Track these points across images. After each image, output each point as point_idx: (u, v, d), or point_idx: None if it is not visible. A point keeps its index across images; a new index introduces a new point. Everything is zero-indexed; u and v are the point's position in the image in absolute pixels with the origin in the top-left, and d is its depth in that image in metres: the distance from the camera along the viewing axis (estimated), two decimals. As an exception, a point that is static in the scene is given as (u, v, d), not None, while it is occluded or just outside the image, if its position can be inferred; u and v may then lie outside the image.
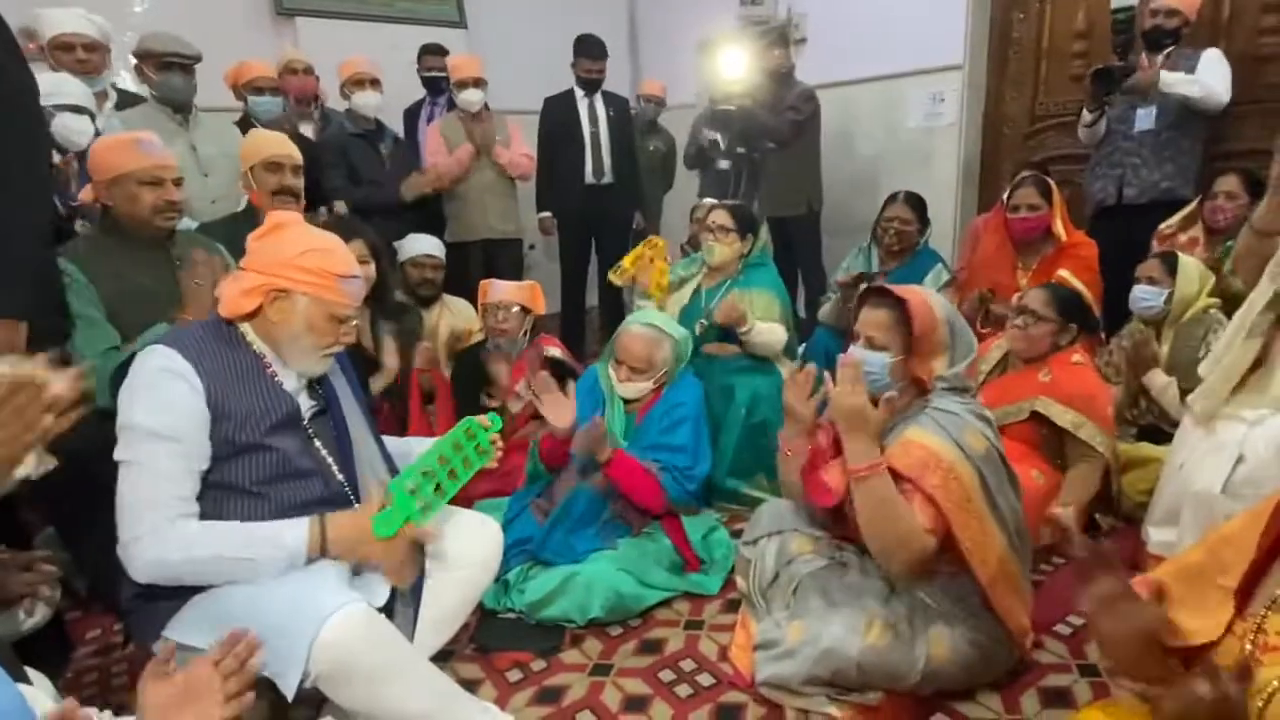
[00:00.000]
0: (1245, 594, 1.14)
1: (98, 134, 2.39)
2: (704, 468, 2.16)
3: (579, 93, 3.95)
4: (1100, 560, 1.12)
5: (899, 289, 1.66)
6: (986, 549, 1.54)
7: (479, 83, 3.59)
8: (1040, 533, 2.14)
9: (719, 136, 4.10)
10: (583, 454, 2.06)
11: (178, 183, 2.01)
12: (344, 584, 1.32)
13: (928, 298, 1.66)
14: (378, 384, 2.27)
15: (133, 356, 1.37)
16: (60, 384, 1.07)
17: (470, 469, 1.53)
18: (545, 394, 2.06)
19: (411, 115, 4.21)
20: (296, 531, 1.33)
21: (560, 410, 2.05)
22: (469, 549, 1.58)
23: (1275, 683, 1.00)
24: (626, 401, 2.26)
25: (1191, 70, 2.92)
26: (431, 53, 4.03)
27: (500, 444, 1.59)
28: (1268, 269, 1.76)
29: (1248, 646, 1.08)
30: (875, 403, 1.69)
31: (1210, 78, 2.88)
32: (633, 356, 2.19)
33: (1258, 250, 1.81)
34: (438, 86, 4.04)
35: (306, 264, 1.40)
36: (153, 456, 1.29)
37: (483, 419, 1.56)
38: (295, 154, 2.49)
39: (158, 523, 1.28)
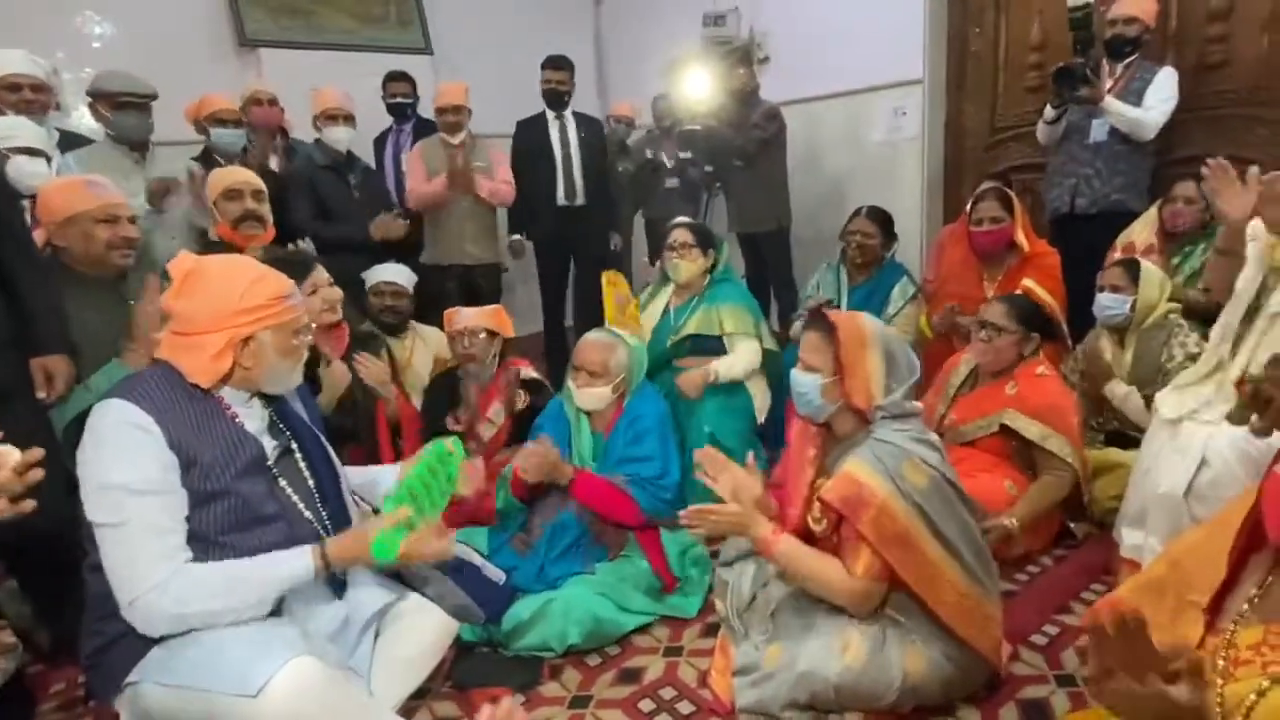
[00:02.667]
0: (1214, 609, 1.15)
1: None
2: (675, 475, 2.17)
3: (550, 115, 3.96)
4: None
5: (836, 314, 1.69)
6: (936, 582, 1.54)
7: (460, 110, 3.59)
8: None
9: (663, 156, 4.15)
10: (543, 480, 2.05)
11: (133, 220, 2.04)
12: (301, 643, 1.30)
13: (862, 321, 1.66)
14: (323, 398, 2.22)
15: (87, 411, 1.34)
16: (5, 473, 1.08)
17: (445, 499, 1.52)
18: (524, 458, 2.06)
19: (380, 143, 4.21)
20: (299, 565, 1.35)
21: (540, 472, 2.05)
22: (417, 643, 1.54)
23: (1252, 696, 1.01)
24: (590, 418, 2.26)
25: (1146, 85, 2.99)
26: (396, 79, 4.03)
27: (473, 473, 1.59)
28: (1239, 282, 1.83)
29: (1220, 662, 1.08)
30: (829, 428, 1.72)
31: (1150, 107, 2.96)
32: (589, 361, 2.20)
33: (1224, 267, 1.90)
34: (403, 113, 4.03)
35: (255, 301, 1.38)
36: (137, 514, 1.27)
37: (448, 443, 1.55)
38: (253, 180, 2.48)
39: (161, 578, 1.26)
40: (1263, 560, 1.14)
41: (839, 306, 3.07)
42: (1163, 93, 2.98)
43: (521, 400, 2.49)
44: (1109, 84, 3.03)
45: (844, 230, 3.15)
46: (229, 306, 1.36)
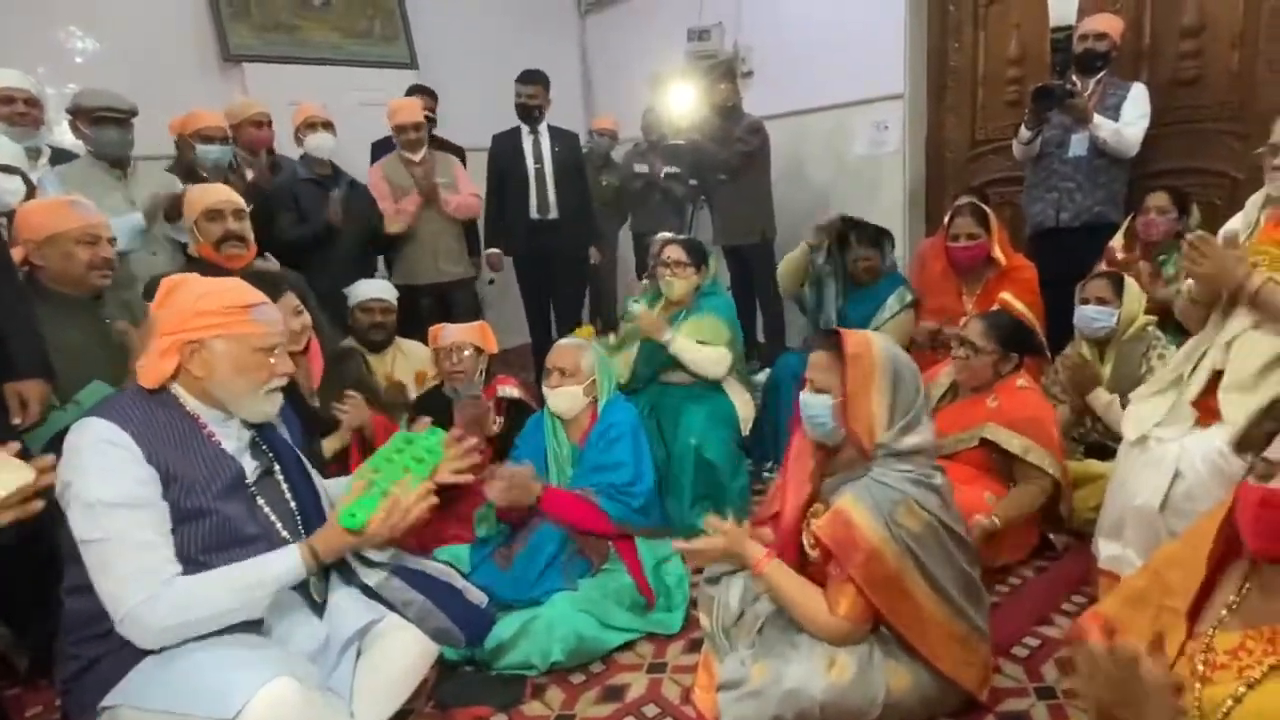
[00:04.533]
0: (1193, 615, 1.17)
1: (31, 191, 2.35)
2: (648, 483, 2.19)
3: (524, 129, 3.96)
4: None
5: (849, 336, 1.66)
6: (921, 623, 1.56)
7: (419, 127, 3.59)
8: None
9: (654, 168, 4.16)
10: (513, 503, 2.06)
11: (112, 241, 2.05)
12: (279, 663, 1.29)
13: (873, 349, 1.63)
14: (332, 444, 2.22)
15: (64, 431, 1.33)
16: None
17: (422, 466, 1.49)
18: (494, 482, 2.04)
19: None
20: (289, 563, 1.35)
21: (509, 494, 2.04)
22: (398, 663, 1.52)
23: (1229, 701, 1.02)
24: (566, 428, 2.28)
25: (1120, 101, 3.05)
26: (417, 93, 4.04)
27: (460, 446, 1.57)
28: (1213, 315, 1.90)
29: (1199, 666, 1.10)
30: (828, 449, 1.72)
31: (1130, 123, 3.02)
32: (561, 360, 2.26)
33: (1199, 312, 1.97)
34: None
35: (206, 307, 1.38)
36: (122, 529, 1.26)
37: (419, 425, 1.55)
38: (233, 198, 2.47)
39: (151, 591, 1.25)
40: (1240, 567, 1.15)
41: (837, 309, 3.12)
42: (1140, 109, 3.04)
43: (497, 425, 2.48)
44: None
45: (850, 251, 3.14)
46: (183, 310, 1.37)
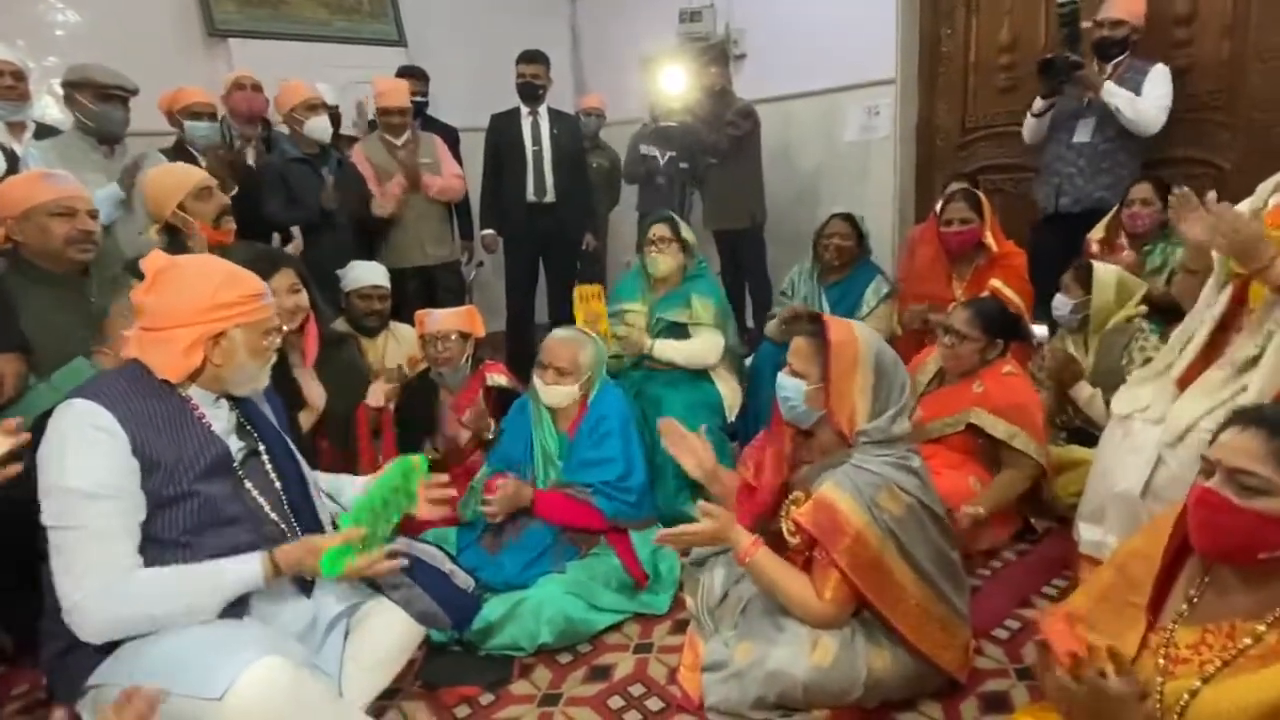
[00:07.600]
0: (1155, 608, 1.19)
1: (12, 165, 2.31)
2: (639, 477, 2.17)
3: (523, 110, 3.92)
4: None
5: (832, 323, 1.68)
6: (904, 605, 1.58)
7: (404, 112, 3.55)
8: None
9: (656, 152, 4.13)
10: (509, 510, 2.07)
11: (93, 215, 1.99)
12: (266, 641, 1.30)
13: (856, 338, 1.65)
14: (307, 420, 2.22)
15: (49, 411, 1.32)
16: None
17: (399, 516, 1.52)
18: (488, 509, 2.05)
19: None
20: (248, 572, 1.32)
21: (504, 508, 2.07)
22: (385, 643, 1.55)
23: (1186, 696, 1.05)
24: (555, 417, 2.26)
25: (1138, 85, 3.01)
26: (408, 75, 3.99)
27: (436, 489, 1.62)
28: (1202, 292, 1.89)
29: (1160, 661, 1.12)
30: (803, 433, 1.74)
31: (1148, 101, 2.99)
32: (558, 358, 2.21)
33: (1193, 284, 1.96)
34: (416, 110, 3.97)
35: (227, 298, 1.38)
36: (91, 518, 1.25)
37: (414, 459, 1.55)
38: (208, 176, 2.44)
39: (105, 583, 1.25)
40: (1198, 561, 1.17)
41: (814, 306, 3.09)
42: (1158, 89, 3.00)
43: (491, 433, 2.47)
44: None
45: (819, 234, 3.12)
46: (202, 302, 1.36)
